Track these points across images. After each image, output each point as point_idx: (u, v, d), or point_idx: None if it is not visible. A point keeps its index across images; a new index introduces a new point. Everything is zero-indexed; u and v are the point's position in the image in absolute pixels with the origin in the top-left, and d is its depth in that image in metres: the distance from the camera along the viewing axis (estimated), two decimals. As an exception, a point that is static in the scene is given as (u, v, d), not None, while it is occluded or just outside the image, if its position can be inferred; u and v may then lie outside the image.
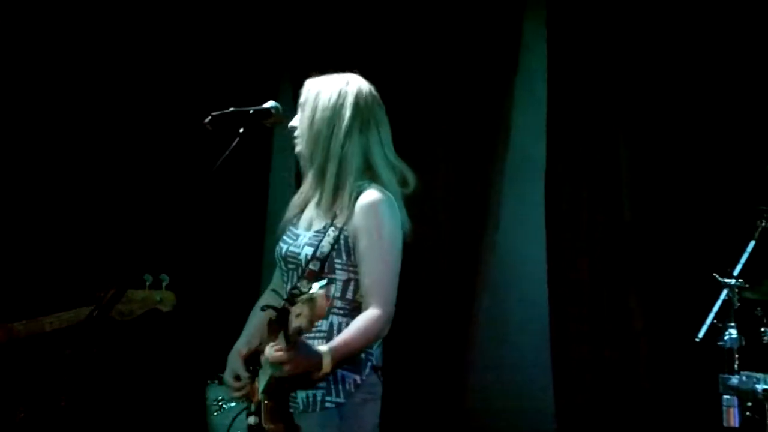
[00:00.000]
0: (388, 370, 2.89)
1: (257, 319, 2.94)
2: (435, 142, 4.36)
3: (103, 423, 4.25)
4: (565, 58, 4.29)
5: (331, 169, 2.72)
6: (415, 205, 2.83)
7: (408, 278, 2.77)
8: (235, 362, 2.86)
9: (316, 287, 2.39)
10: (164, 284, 3.33)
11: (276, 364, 2.52)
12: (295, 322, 2.40)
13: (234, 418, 3.19)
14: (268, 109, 2.69)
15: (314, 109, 2.73)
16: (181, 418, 4.29)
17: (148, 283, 3.32)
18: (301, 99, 2.77)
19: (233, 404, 3.45)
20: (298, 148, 2.78)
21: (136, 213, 4.26)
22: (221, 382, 3.78)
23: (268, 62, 4.38)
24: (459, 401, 4.25)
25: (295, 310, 2.40)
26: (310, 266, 2.70)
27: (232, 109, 2.63)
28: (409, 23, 4.36)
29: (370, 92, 2.80)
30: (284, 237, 2.85)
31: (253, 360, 2.87)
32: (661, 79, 4.20)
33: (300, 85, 2.83)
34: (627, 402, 4.11)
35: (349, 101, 2.74)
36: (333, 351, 2.57)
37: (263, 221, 4.35)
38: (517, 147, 4.25)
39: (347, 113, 2.73)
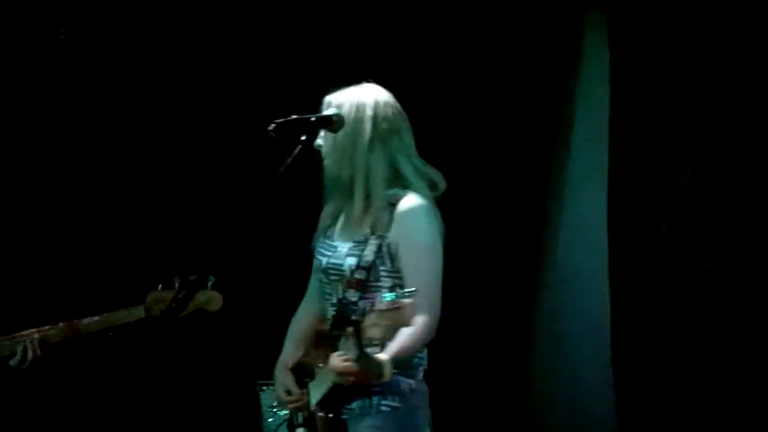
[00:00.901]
0: (446, 380, 2.90)
1: (299, 330, 3.04)
2: (492, 150, 4.33)
3: (157, 426, 4.31)
4: (628, 64, 4.24)
5: (359, 182, 2.79)
6: (472, 216, 2.83)
7: (465, 290, 2.78)
8: (284, 376, 2.95)
9: (392, 296, 2.44)
10: (209, 284, 3.35)
11: (343, 374, 2.58)
12: (370, 332, 2.45)
13: (279, 425, 3.22)
14: (329, 117, 2.75)
15: (335, 135, 2.78)
16: (234, 422, 4.33)
17: (176, 284, 3.29)
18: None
19: (287, 411, 3.46)
20: (325, 165, 2.83)
21: (194, 216, 4.31)
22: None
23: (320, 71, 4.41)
24: (517, 414, 4.23)
25: (370, 319, 2.45)
26: (356, 275, 2.77)
27: (294, 116, 2.68)
28: (467, 30, 4.34)
29: (388, 101, 2.86)
30: (320, 250, 2.94)
31: (298, 372, 2.94)
32: (728, 86, 4.13)
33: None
34: (688, 424, 4.05)
35: (368, 114, 2.79)
36: (392, 359, 2.61)
37: (315, 222, 4.36)
38: (578, 156, 4.21)
39: (367, 126, 2.79)
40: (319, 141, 2.81)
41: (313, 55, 4.36)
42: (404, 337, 2.65)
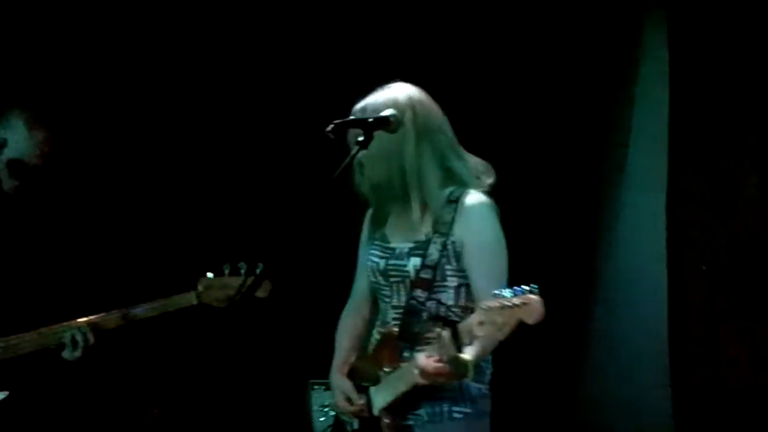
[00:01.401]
0: (501, 383, 2.89)
1: (349, 334, 3.03)
2: (549, 151, 4.30)
3: (207, 424, 4.35)
4: (688, 63, 4.17)
5: (413, 185, 2.77)
6: (528, 218, 2.81)
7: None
8: (342, 382, 2.92)
9: (511, 293, 2.36)
10: (258, 271, 3.36)
11: (433, 375, 2.54)
12: (477, 330, 2.40)
13: (329, 426, 3.22)
14: (387, 117, 2.74)
15: (379, 137, 2.72)
16: (283, 420, 4.35)
17: (242, 270, 3.37)
18: (395, 113, 2.76)
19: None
20: (370, 171, 2.80)
21: (248, 211, 4.34)
22: (328, 388, 3.82)
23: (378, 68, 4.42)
24: (571, 416, 4.20)
25: (477, 318, 2.40)
26: (422, 275, 2.74)
27: (352, 117, 2.70)
28: (525, 29, 4.32)
29: (423, 98, 2.83)
30: (374, 252, 2.90)
31: (350, 376, 2.92)
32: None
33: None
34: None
35: (408, 115, 2.76)
36: (476, 359, 2.58)
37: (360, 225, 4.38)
38: (636, 157, 4.16)
39: (411, 126, 2.76)
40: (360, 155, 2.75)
41: (365, 54, 4.37)
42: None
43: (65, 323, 3.36)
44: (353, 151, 2.64)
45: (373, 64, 4.29)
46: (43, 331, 3.36)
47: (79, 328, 3.34)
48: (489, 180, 2.82)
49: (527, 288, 2.36)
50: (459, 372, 2.51)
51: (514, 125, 4.21)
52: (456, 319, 2.52)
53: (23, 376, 3.48)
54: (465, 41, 4.30)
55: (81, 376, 4.07)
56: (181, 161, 4.53)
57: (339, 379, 2.94)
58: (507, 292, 2.37)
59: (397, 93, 2.80)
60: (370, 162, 2.77)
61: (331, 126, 2.63)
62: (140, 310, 3.40)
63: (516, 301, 2.34)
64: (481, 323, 2.39)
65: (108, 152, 4.48)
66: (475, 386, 2.76)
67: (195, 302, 3.40)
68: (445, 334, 2.48)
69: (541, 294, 2.52)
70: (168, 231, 4.51)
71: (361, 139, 2.64)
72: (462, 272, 2.75)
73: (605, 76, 4.24)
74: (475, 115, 2.95)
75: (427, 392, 2.68)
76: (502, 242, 2.76)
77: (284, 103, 4.47)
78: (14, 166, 3.49)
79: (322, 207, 2.56)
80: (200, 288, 3.39)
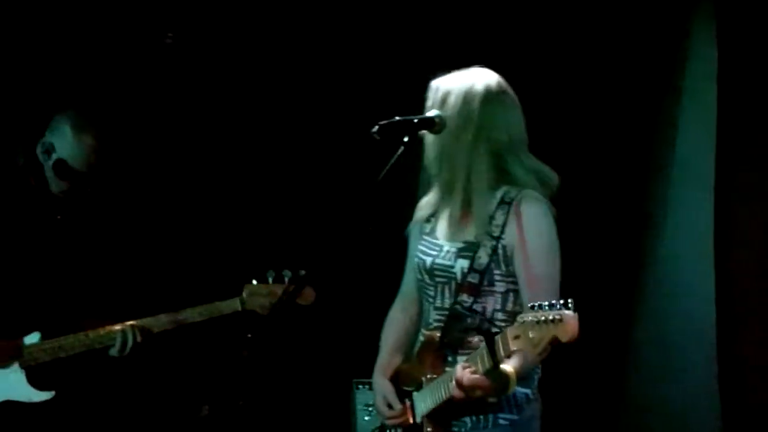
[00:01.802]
0: (547, 388, 2.86)
1: (395, 335, 2.96)
2: (594, 149, 4.27)
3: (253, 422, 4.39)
4: (737, 62, 4.11)
5: (459, 182, 2.70)
6: (572, 216, 2.77)
7: (563, 294, 2.72)
8: (384, 386, 2.86)
9: (547, 307, 2.25)
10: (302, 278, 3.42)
11: (470, 388, 2.47)
12: (512, 345, 2.31)
13: (376, 428, 3.22)
14: (432, 118, 2.72)
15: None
16: (325, 419, 4.38)
17: (287, 278, 3.44)
18: (428, 103, 2.75)
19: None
20: (426, 161, 2.78)
21: (294, 214, 4.38)
22: (371, 388, 3.83)
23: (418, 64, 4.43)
24: (618, 422, 4.17)
25: (512, 332, 2.30)
26: (468, 279, 2.67)
27: (397, 118, 2.69)
28: (567, 26, 4.29)
29: (500, 91, 2.73)
30: (422, 248, 2.83)
31: (396, 380, 2.89)
32: None
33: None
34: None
35: (474, 108, 2.68)
36: (518, 372, 2.51)
37: (410, 221, 4.38)
38: (683, 155, 4.11)
39: (472, 122, 2.68)
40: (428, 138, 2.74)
41: (416, 55, 4.38)
42: None
43: (115, 325, 3.44)
44: (398, 152, 2.63)
45: (418, 65, 4.31)
46: (91, 333, 3.44)
47: (128, 330, 3.41)
48: (550, 185, 2.72)
49: (562, 302, 2.25)
50: (500, 385, 2.45)
51: (560, 123, 4.19)
52: (497, 329, 2.43)
53: (72, 376, 3.54)
54: (514, 38, 4.28)
55: (131, 375, 4.14)
56: (228, 168, 4.58)
57: (380, 381, 2.88)
58: (545, 305, 2.26)
59: (474, 82, 2.72)
60: (428, 149, 2.75)
61: (376, 127, 2.63)
62: (186, 315, 3.47)
63: (550, 316, 2.23)
64: (516, 337, 2.30)
65: (156, 158, 4.54)
66: (521, 392, 2.67)
67: (239, 308, 3.47)
68: (483, 346, 2.41)
69: (585, 295, 2.50)
70: (214, 238, 4.56)
71: (406, 139, 2.62)
72: (511, 277, 2.67)
73: (652, 74, 4.20)
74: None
75: (471, 404, 2.62)
76: (556, 248, 2.67)
77: (329, 106, 4.49)
78: (61, 167, 3.55)
79: (369, 207, 2.55)
80: (245, 294, 3.46)
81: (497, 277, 2.69)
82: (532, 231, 2.64)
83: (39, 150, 3.57)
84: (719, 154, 4.04)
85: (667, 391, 4.07)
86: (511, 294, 2.70)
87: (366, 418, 3.87)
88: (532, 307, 2.28)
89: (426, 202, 2.87)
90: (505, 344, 2.34)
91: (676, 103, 4.17)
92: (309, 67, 4.50)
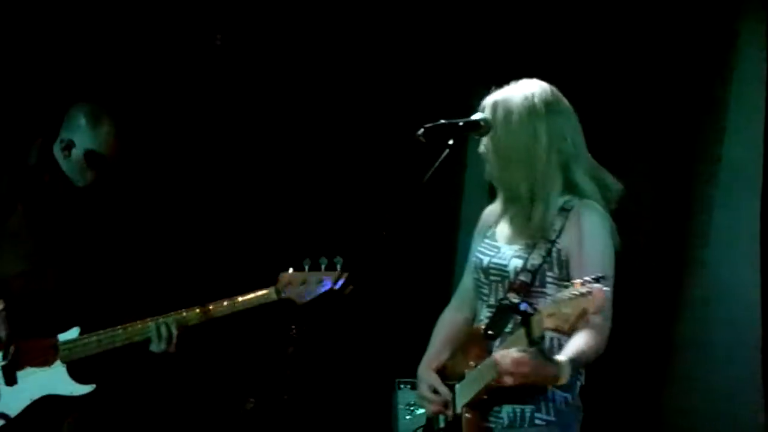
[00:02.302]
0: (587, 391, 2.87)
1: (445, 331, 3.00)
2: (638, 151, 4.27)
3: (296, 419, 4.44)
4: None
5: (539, 191, 2.74)
6: (616, 218, 2.79)
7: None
8: (429, 376, 2.90)
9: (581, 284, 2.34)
10: (339, 266, 3.40)
11: (514, 366, 2.50)
12: (546, 322, 2.39)
13: (416, 429, 3.25)
14: (477, 121, 2.75)
15: (504, 131, 2.75)
16: (367, 419, 4.42)
17: (323, 266, 3.42)
18: (486, 117, 2.76)
19: (424, 410, 3.49)
20: (490, 172, 2.81)
21: (341, 215, 4.44)
22: (413, 387, 3.87)
23: (462, 66, 4.47)
24: (658, 425, 4.16)
25: (546, 310, 2.40)
26: (520, 277, 2.72)
27: (442, 121, 2.71)
28: (613, 26, 4.29)
29: (558, 101, 2.78)
30: (481, 249, 2.89)
31: (442, 374, 2.91)
32: None
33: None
34: None
35: (541, 121, 2.74)
36: (572, 362, 2.54)
37: (456, 222, 4.42)
38: (729, 158, 4.08)
39: (541, 134, 2.73)
40: (482, 147, 2.80)
41: (462, 57, 4.41)
42: (584, 339, 2.58)
43: (150, 319, 3.46)
44: (443, 155, 2.66)
45: (466, 68, 4.36)
46: (129, 326, 3.47)
47: (164, 322, 3.43)
48: (610, 192, 2.78)
49: (590, 278, 2.36)
50: (548, 370, 2.50)
51: (607, 126, 4.17)
52: (533, 311, 2.46)
53: (113, 369, 3.58)
54: (559, 41, 4.29)
55: (175, 368, 4.20)
56: (268, 158, 4.62)
57: (425, 372, 2.91)
58: (576, 282, 2.38)
59: (532, 93, 2.77)
60: (500, 163, 2.78)
61: (422, 130, 2.66)
62: (221, 307, 3.46)
63: (582, 290, 2.34)
64: (550, 315, 2.38)
65: (187, 148, 4.57)
66: (561, 395, 2.71)
67: (275, 298, 3.44)
68: (521, 328, 2.48)
69: (629, 297, 2.54)
70: (250, 227, 4.58)
71: (451, 142, 2.65)
72: (563, 281, 2.70)
73: (699, 79, 4.18)
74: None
75: (512, 393, 2.65)
76: (611, 256, 2.72)
77: (375, 108, 4.53)
78: (90, 157, 3.55)
79: (416, 209, 2.59)
80: (280, 284, 3.43)
81: (549, 280, 2.74)
82: (587, 237, 2.70)
83: (57, 148, 3.57)
84: (767, 156, 4.02)
85: (710, 393, 4.05)
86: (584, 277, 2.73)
87: (407, 417, 3.91)
88: (565, 286, 2.40)
89: (491, 210, 2.94)
90: (539, 323, 2.42)
91: (723, 106, 4.15)
92: (358, 67, 4.56)
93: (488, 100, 2.80)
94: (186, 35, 4.54)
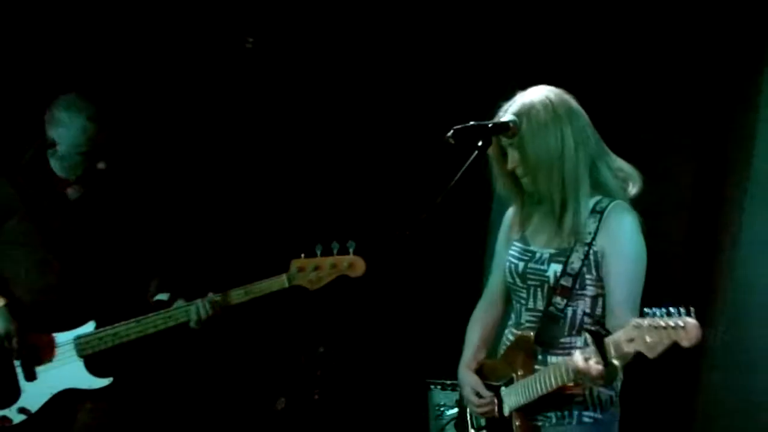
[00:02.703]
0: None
1: (479, 331, 3.09)
2: (669, 155, 4.27)
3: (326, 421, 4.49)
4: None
5: (570, 195, 2.80)
6: (650, 226, 2.83)
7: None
8: (471, 378, 2.98)
9: (662, 312, 2.40)
10: (351, 250, 3.45)
11: (591, 377, 2.59)
12: (625, 347, 2.46)
13: (446, 424, 3.28)
14: (506, 123, 2.82)
15: (531, 140, 2.79)
16: (400, 419, 4.45)
17: (335, 251, 3.46)
18: (515, 119, 2.81)
19: (455, 411, 3.54)
20: (522, 179, 2.86)
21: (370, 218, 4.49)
22: (445, 388, 3.91)
23: (494, 68, 4.50)
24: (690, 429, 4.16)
25: (626, 334, 2.46)
26: (562, 282, 2.79)
27: (472, 123, 2.77)
28: (642, 28, 4.30)
29: (572, 102, 2.85)
30: (513, 253, 2.94)
31: (481, 374, 2.99)
32: None
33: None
34: None
35: (565, 124, 2.79)
36: (622, 363, 2.60)
37: (486, 223, 4.44)
38: (761, 169, 4.06)
39: (567, 137, 2.79)
40: (510, 162, 2.83)
41: (487, 59, 4.44)
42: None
43: (164, 311, 3.52)
44: (472, 156, 2.72)
45: (491, 70, 4.38)
46: (142, 318, 3.51)
47: (201, 302, 3.47)
48: (635, 188, 2.85)
49: (683, 310, 2.39)
50: (610, 378, 2.59)
51: (637, 135, 4.19)
52: (605, 331, 2.54)
53: (130, 361, 3.64)
54: (585, 47, 4.32)
55: (207, 366, 4.24)
56: (287, 149, 4.65)
57: (467, 374, 3.00)
58: (659, 312, 2.41)
59: (549, 99, 2.82)
60: (530, 170, 2.82)
61: (451, 132, 2.72)
62: (233, 296, 3.51)
63: (671, 322, 2.37)
64: (630, 340, 2.44)
65: (199, 135, 4.61)
66: (606, 392, 2.81)
67: (286, 285, 3.47)
68: (593, 348, 2.54)
69: (660, 299, 2.56)
70: (262, 216, 4.61)
71: (480, 144, 2.72)
72: (600, 282, 2.80)
73: (729, 84, 4.17)
74: (600, 121, 2.97)
75: (559, 395, 2.74)
76: (644, 256, 2.79)
77: (406, 110, 4.58)
78: (75, 151, 3.50)
79: (445, 212, 2.63)
80: (292, 270, 3.46)
81: (588, 282, 2.81)
82: (620, 238, 2.77)
83: (47, 148, 3.57)
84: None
85: (744, 400, 4.03)
86: (600, 299, 2.83)
87: (438, 418, 3.94)
88: (645, 313, 2.43)
89: (515, 211, 2.98)
90: (618, 346, 2.48)
91: (754, 115, 4.13)
92: (390, 73, 4.61)
93: (510, 111, 2.84)
94: (191, 30, 4.57)
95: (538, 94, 2.83)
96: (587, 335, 2.58)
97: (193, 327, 3.53)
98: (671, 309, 2.39)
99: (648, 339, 2.39)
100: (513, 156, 2.83)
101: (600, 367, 2.53)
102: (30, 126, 3.67)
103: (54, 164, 3.59)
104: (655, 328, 2.38)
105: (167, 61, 4.53)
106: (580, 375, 2.61)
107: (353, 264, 3.46)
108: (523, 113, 2.80)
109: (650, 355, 2.42)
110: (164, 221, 3.80)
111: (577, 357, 2.61)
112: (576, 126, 2.81)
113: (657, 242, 3.00)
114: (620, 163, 2.88)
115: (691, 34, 4.22)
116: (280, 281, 3.46)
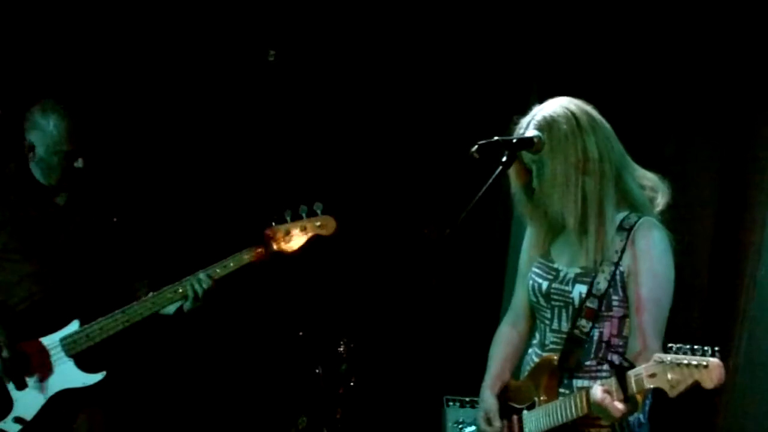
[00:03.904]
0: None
1: (504, 350, 3.02)
2: (691, 176, 4.24)
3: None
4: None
5: (593, 213, 2.74)
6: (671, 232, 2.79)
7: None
8: (488, 403, 2.93)
9: (691, 350, 2.37)
10: (319, 211, 3.51)
11: (609, 412, 2.54)
12: (647, 382, 2.43)
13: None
14: (530, 138, 2.78)
15: (552, 152, 2.75)
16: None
17: (303, 214, 3.52)
18: (539, 134, 2.76)
19: (473, 428, 3.51)
20: (543, 195, 2.79)
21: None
22: (462, 405, 3.88)
23: (516, 76, 4.50)
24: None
25: (649, 369, 2.43)
26: (588, 304, 2.73)
27: (496, 138, 2.76)
28: (665, 38, 4.28)
29: (593, 112, 2.79)
30: (537, 271, 2.88)
31: (504, 396, 2.94)
32: None
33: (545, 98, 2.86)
34: None
35: (588, 135, 2.74)
36: (643, 398, 2.58)
37: (506, 239, 4.42)
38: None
39: (592, 149, 2.73)
40: (535, 180, 2.79)
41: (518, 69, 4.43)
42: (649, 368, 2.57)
43: (145, 296, 3.53)
44: (497, 171, 2.69)
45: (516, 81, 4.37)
46: (127, 308, 3.51)
47: (194, 279, 3.48)
48: (662, 200, 2.78)
49: (707, 349, 2.36)
50: (628, 413, 2.55)
51: (657, 148, 4.17)
52: (627, 363, 2.50)
53: (119, 353, 3.61)
54: (604, 55, 4.31)
55: (229, 382, 4.21)
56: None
57: (487, 397, 2.94)
58: (686, 348, 2.37)
59: (571, 113, 2.77)
60: (549, 187, 2.76)
61: (476, 147, 2.69)
62: (213, 270, 3.52)
63: (694, 360, 2.34)
64: (652, 375, 2.40)
65: (173, 133, 4.61)
66: (635, 416, 2.71)
67: (263, 254, 3.52)
68: (614, 380, 2.51)
69: (683, 317, 2.53)
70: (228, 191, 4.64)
71: (504, 159, 2.69)
72: (627, 302, 2.73)
73: (748, 94, 4.15)
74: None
75: (584, 421, 2.68)
76: (672, 277, 2.73)
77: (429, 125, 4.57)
78: (51, 154, 3.52)
79: (470, 226, 2.62)
80: (266, 239, 3.52)
81: (615, 303, 2.75)
82: (647, 257, 2.70)
83: (26, 153, 3.60)
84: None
85: (765, 417, 4.00)
86: (627, 320, 2.76)
87: (456, 434, 3.91)
88: (669, 349, 2.39)
89: (536, 230, 2.92)
90: (640, 381, 2.44)
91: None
92: (412, 88, 4.61)
93: (531, 125, 2.80)
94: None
95: (558, 105, 2.79)
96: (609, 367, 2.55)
97: (188, 307, 3.53)
98: (695, 347, 2.36)
99: (670, 376, 2.36)
100: (539, 180, 2.78)
101: (620, 405, 2.49)
102: (11, 139, 3.70)
103: (35, 171, 3.62)
104: (678, 365, 2.35)
105: (140, 59, 4.54)
106: (598, 409, 2.56)
107: (324, 224, 3.52)
108: (545, 126, 2.76)
109: (671, 393, 2.38)
110: (133, 213, 3.82)
111: (597, 390, 2.56)
112: (600, 136, 2.75)
113: (679, 263, 2.99)
114: (645, 173, 2.81)
115: (709, 42, 4.20)
116: (260, 251, 3.53)
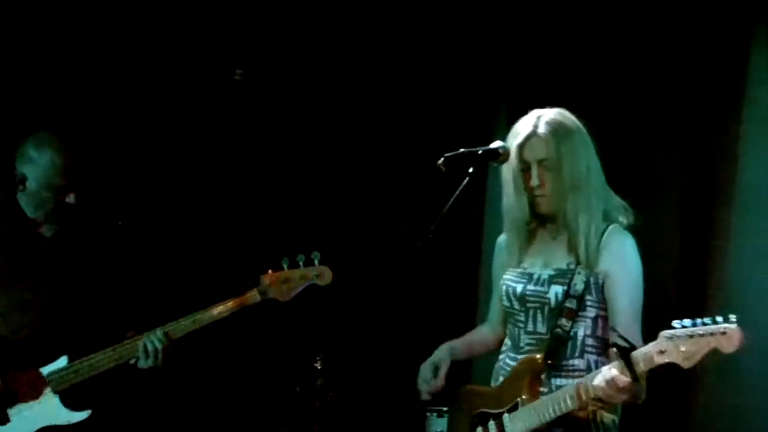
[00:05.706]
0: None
1: (475, 336, 3.20)
2: (657, 178, 4.36)
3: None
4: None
5: (584, 220, 2.89)
6: (642, 237, 2.92)
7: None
8: (443, 354, 3.06)
9: (691, 323, 2.49)
10: (317, 261, 3.56)
11: (621, 391, 2.63)
12: (657, 359, 2.54)
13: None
14: (496, 150, 2.93)
15: (567, 159, 2.90)
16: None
17: (301, 263, 3.56)
18: (504, 144, 2.91)
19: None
20: (542, 198, 2.93)
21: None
22: (441, 415, 3.97)
23: (483, 94, 4.61)
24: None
25: (657, 347, 2.53)
26: (566, 304, 2.86)
27: (462, 150, 2.88)
28: (628, 52, 4.41)
29: (584, 130, 2.97)
30: (510, 277, 3.00)
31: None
32: None
33: (515, 116, 3.00)
34: None
35: (590, 149, 2.93)
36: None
37: (478, 251, 4.51)
38: (747, 185, 4.15)
39: (593, 161, 2.93)
40: (535, 180, 2.91)
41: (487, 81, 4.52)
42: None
43: (137, 336, 3.52)
44: (464, 183, 2.82)
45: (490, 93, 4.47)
46: (117, 347, 3.52)
47: (147, 337, 3.48)
48: (629, 220, 2.96)
49: (719, 318, 2.47)
50: (636, 393, 2.66)
51: (620, 151, 4.27)
52: (629, 344, 2.59)
53: (106, 392, 3.62)
54: (583, 63, 4.44)
55: (204, 399, 4.23)
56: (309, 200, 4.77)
57: (445, 349, 3.07)
58: (688, 322, 2.49)
59: (577, 122, 2.95)
60: (562, 190, 2.91)
61: (442, 159, 2.83)
62: (206, 315, 3.54)
63: (711, 330, 2.45)
64: (662, 352, 2.52)
65: (165, 165, 4.70)
66: (609, 416, 2.86)
67: (258, 299, 3.55)
68: (617, 363, 2.60)
69: (653, 323, 2.66)
70: (224, 234, 4.72)
71: (471, 170, 2.83)
72: (600, 303, 2.88)
73: (714, 99, 4.25)
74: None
75: (564, 420, 2.77)
76: (641, 277, 2.90)
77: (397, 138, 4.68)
78: (44, 187, 3.55)
79: (438, 238, 2.71)
80: (262, 285, 3.54)
81: (589, 303, 2.89)
82: (623, 260, 2.88)
83: (17, 185, 3.59)
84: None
85: (738, 420, 4.09)
86: (600, 320, 2.91)
87: (437, 443, 3.99)
88: (674, 325, 2.50)
89: (516, 232, 3.03)
90: (649, 360, 2.54)
91: (738, 131, 4.22)
92: (386, 101, 4.74)
93: (541, 131, 2.92)
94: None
95: (564, 116, 2.95)
96: (614, 350, 2.62)
97: (143, 366, 3.49)
98: (706, 320, 2.47)
99: (684, 348, 2.46)
100: (544, 175, 2.90)
101: (628, 380, 2.58)
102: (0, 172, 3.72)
103: (24, 204, 3.62)
104: (691, 337, 2.46)
105: (133, 92, 4.63)
106: (606, 390, 2.63)
107: (321, 273, 3.56)
108: (559, 133, 2.90)
109: (686, 365, 2.49)
110: (127, 251, 3.85)
111: (601, 373, 2.65)
112: (595, 150, 2.96)
113: (646, 267, 3.12)
114: (615, 197, 3.00)
115: (674, 52, 4.34)
116: (253, 296, 3.55)
